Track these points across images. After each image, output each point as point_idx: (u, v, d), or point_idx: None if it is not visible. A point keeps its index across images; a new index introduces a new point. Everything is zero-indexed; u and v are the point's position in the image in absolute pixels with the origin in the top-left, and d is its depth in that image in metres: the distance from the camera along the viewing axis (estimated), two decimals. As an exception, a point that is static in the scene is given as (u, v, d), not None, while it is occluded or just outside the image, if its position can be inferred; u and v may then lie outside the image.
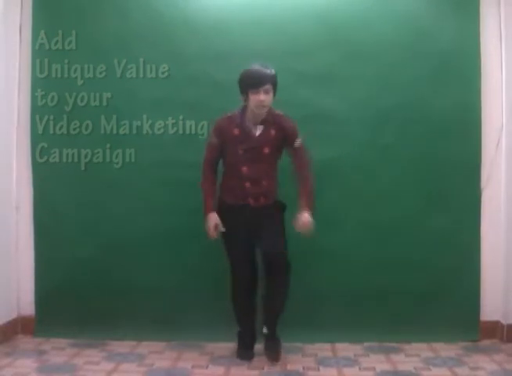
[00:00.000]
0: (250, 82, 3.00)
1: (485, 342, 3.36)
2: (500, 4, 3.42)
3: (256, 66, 3.03)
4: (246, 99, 3.04)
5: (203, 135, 3.44)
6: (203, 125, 3.45)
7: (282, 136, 3.08)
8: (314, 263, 3.43)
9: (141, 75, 3.49)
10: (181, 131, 3.47)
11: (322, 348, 3.27)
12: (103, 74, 3.50)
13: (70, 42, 3.51)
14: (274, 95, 3.05)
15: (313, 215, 3.05)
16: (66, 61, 3.51)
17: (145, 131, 3.48)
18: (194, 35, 3.47)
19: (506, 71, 3.40)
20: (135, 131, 3.49)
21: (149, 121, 3.48)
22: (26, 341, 3.40)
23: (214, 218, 3.08)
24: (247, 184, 3.06)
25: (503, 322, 3.39)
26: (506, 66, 3.40)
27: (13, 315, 3.49)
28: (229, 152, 3.10)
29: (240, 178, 3.07)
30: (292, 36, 3.45)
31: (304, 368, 2.96)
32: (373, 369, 2.93)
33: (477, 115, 3.43)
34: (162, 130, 3.47)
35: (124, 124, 3.49)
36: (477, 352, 3.19)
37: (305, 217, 3.03)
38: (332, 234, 3.41)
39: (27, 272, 3.51)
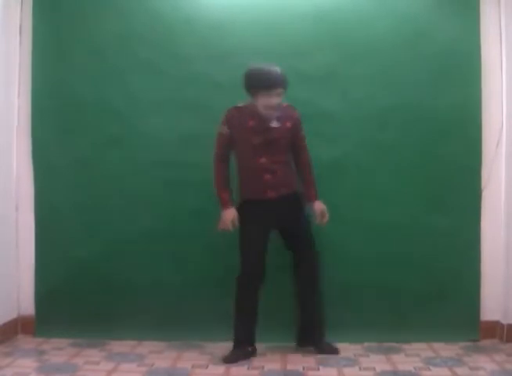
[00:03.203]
0: (265, 84, 2.95)
1: (485, 342, 3.36)
2: (500, 4, 3.42)
3: (268, 67, 2.97)
4: (254, 99, 3.00)
5: (203, 135, 3.44)
6: (203, 125, 3.45)
7: (293, 126, 3.11)
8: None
9: (141, 75, 3.49)
10: (181, 131, 3.47)
11: (322, 348, 3.27)
12: (103, 74, 3.50)
13: (70, 42, 3.52)
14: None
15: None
16: (66, 61, 3.52)
17: (145, 132, 3.49)
18: (194, 35, 3.47)
19: (506, 71, 3.40)
20: (135, 132, 3.49)
21: (149, 121, 3.48)
22: (26, 341, 3.41)
23: (232, 213, 3.04)
24: (266, 176, 3.04)
25: (503, 322, 3.39)
26: (506, 66, 3.40)
27: (13, 315, 3.49)
28: (243, 143, 3.06)
29: (258, 171, 3.04)
30: (292, 36, 3.45)
31: (304, 368, 2.96)
32: (373, 369, 2.93)
33: (477, 115, 3.43)
34: (162, 130, 3.47)
35: (124, 124, 3.49)
36: (477, 352, 3.19)
37: (321, 205, 3.14)
38: (331, 234, 3.41)
39: (27, 272, 3.52)
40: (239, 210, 3.09)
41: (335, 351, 3.17)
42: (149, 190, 3.49)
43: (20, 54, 3.53)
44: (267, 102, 2.98)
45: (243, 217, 3.07)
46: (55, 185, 3.52)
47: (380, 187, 3.44)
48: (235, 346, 3.11)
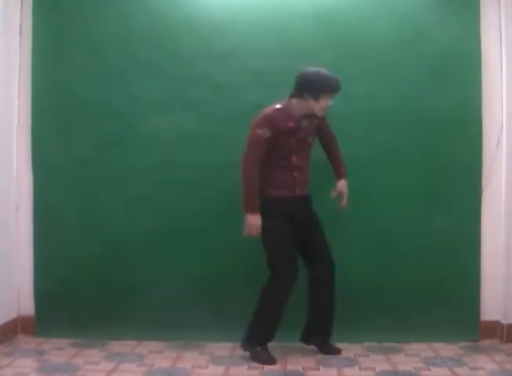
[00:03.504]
0: (332, 87, 3.03)
1: (485, 342, 3.36)
2: (500, 4, 3.42)
3: (329, 72, 3.05)
4: (314, 101, 3.03)
5: (203, 135, 3.44)
6: (203, 125, 3.45)
7: (319, 121, 3.18)
8: (314, 263, 3.43)
9: (141, 75, 3.49)
10: (181, 132, 3.47)
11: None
12: (103, 74, 3.50)
13: (70, 42, 3.52)
14: None
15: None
16: (66, 61, 3.51)
17: (145, 132, 3.48)
18: (194, 35, 3.47)
19: (506, 71, 3.40)
20: (135, 132, 3.49)
21: (149, 121, 3.48)
22: (26, 341, 3.40)
23: (259, 219, 3.02)
24: (295, 173, 3.10)
25: (503, 322, 3.39)
26: (506, 66, 3.40)
27: (13, 315, 3.49)
28: (280, 144, 3.05)
29: (289, 169, 3.08)
30: (292, 36, 3.45)
31: (304, 368, 2.96)
32: (373, 369, 2.93)
33: (478, 115, 3.43)
34: (162, 130, 3.47)
35: (124, 124, 3.49)
36: (477, 352, 3.19)
37: (343, 185, 3.22)
38: (331, 234, 3.40)
39: (26, 272, 3.51)
40: (264, 207, 3.04)
41: (337, 351, 3.17)
42: (149, 190, 3.48)
43: (20, 54, 3.53)
44: (326, 103, 3.05)
45: (269, 214, 3.04)
46: (55, 185, 3.52)
47: (379, 187, 3.44)
48: (262, 346, 3.07)
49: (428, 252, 3.43)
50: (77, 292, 3.48)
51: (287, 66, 3.39)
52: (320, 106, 3.05)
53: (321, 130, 3.23)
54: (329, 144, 3.30)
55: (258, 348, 3.07)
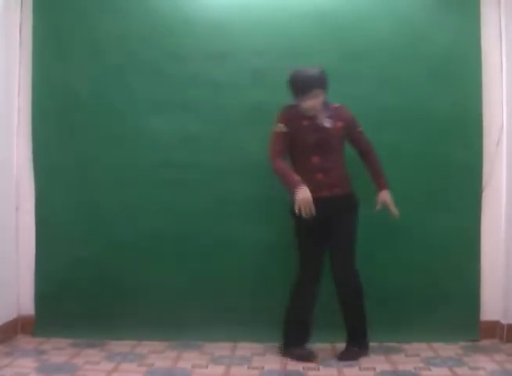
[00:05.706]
0: (296, 89, 3.01)
1: (485, 342, 3.36)
2: (500, 4, 3.43)
3: (301, 71, 3.01)
4: (299, 101, 3.04)
5: (203, 135, 3.44)
6: (203, 125, 3.45)
7: (345, 126, 3.12)
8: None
9: (141, 75, 3.49)
10: (181, 132, 3.47)
11: (322, 349, 3.26)
12: (103, 73, 3.50)
13: (70, 42, 3.52)
14: (326, 91, 3.06)
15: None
16: (66, 61, 3.52)
17: (145, 132, 3.48)
18: (194, 35, 3.47)
19: (506, 71, 3.40)
20: (135, 132, 3.49)
21: (150, 121, 3.48)
22: (26, 341, 3.40)
23: (308, 192, 2.90)
24: (319, 175, 3.05)
25: (503, 322, 3.39)
26: (506, 66, 3.40)
27: (13, 315, 3.49)
28: (297, 142, 3.06)
29: (311, 170, 3.05)
30: (292, 36, 3.45)
31: (304, 368, 2.96)
32: (373, 369, 2.93)
33: (478, 115, 3.42)
34: (162, 130, 3.47)
35: (125, 124, 3.49)
36: (477, 352, 3.19)
37: (384, 195, 3.20)
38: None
39: (27, 272, 3.51)
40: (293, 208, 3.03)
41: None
42: (150, 191, 3.48)
43: (20, 54, 3.53)
44: (304, 105, 3.02)
45: (297, 218, 3.01)
46: (56, 185, 3.52)
47: (380, 187, 3.44)
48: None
49: (428, 252, 3.43)
50: (77, 292, 3.48)
51: (287, 67, 3.39)
52: (301, 107, 3.04)
53: (350, 137, 3.17)
54: (364, 156, 3.24)
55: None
